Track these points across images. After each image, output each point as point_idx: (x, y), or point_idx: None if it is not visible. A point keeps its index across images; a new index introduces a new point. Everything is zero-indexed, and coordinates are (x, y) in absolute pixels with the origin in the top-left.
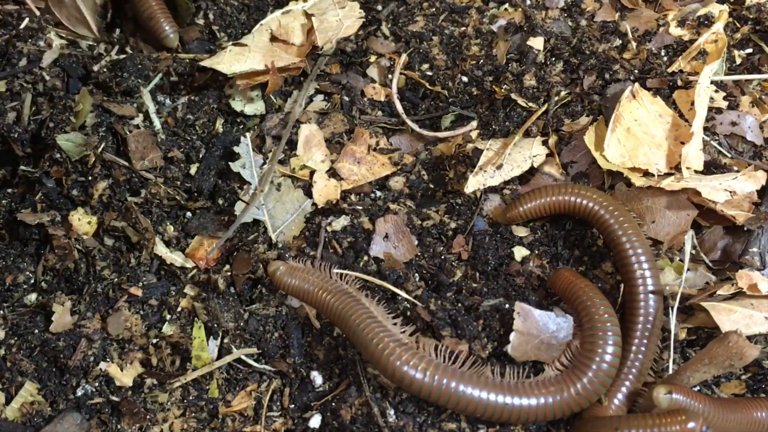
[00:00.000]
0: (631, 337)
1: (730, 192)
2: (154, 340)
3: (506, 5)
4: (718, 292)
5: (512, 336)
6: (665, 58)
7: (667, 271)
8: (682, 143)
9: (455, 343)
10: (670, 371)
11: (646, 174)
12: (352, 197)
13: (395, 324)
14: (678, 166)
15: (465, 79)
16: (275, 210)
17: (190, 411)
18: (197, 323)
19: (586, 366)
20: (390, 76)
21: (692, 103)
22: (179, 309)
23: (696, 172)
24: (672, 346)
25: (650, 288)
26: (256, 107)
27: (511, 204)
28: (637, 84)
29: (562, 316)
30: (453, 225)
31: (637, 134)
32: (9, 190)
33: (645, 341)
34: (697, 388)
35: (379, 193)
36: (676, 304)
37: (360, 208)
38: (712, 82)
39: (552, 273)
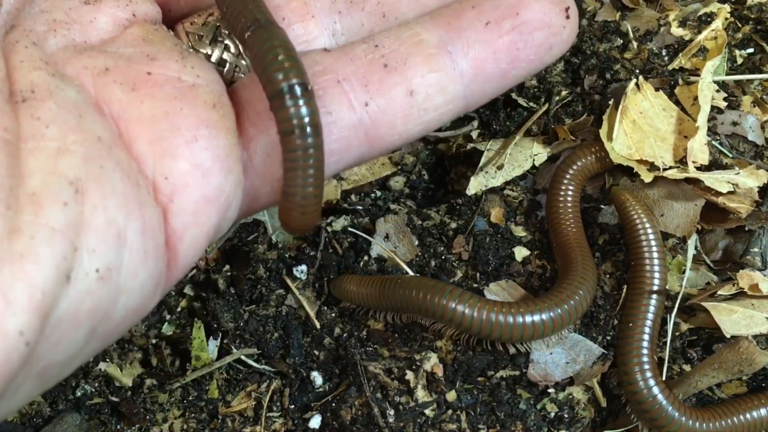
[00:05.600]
0: (629, 330)
1: (733, 185)
2: (154, 341)
3: None
4: (719, 292)
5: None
6: (666, 58)
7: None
8: (686, 137)
9: None
10: (665, 367)
11: (653, 167)
12: (353, 197)
13: None
14: (683, 160)
15: None
16: (275, 210)
17: (189, 411)
18: (197, 323)
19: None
20: None
21: (695, 99)
22: (179, 309)
23: (702, 166)
24: (668, 346)
25: (656, 287)
26: None
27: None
28: (641, 76)
29: None
30: (453, 225)
31: (642, 126)
32: None
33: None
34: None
35: (379, 193)
36: (677, 304)
37: (360, 208)
38: (713, 82)
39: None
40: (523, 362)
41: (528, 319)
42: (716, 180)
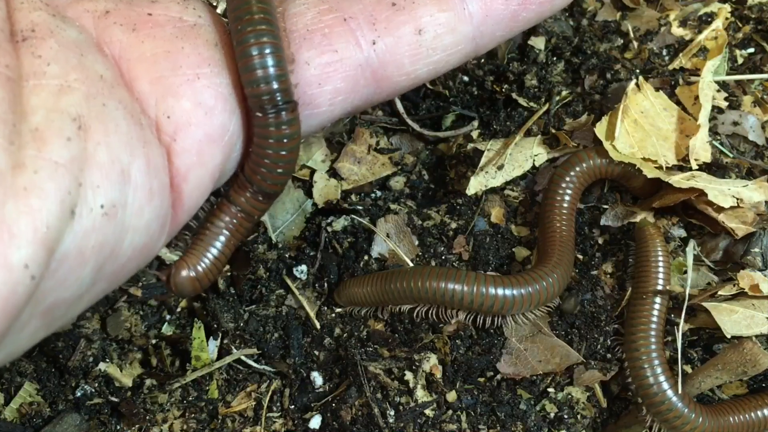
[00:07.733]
0: (635, 327)
1: (737, 199)
2: (154, 341)
3: None
4: (720, 293)
5: None
6: (667, 58)
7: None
8: (687, 136)
9: None
10: (680, 368)
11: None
12: (353, 197)
13: None
14: (686, 158)
15: (466, 78)
16: (275, 210)
17: (189, 412)
18: (197, 323)
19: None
20: None
21: (696, 98)
22: (179, 309)
23: (704, 164)
24: (680, 348)
25: (660, 288)
26: None
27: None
28: (642, 76)
29: None
30: (454, 225)
31: (644, 126)
32: None
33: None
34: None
35: (379, 193)
36: (685, 307)
37: (360, 208)
38: (714, 82)
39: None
40: None
41: (501, 292)
42: (720, 193)
